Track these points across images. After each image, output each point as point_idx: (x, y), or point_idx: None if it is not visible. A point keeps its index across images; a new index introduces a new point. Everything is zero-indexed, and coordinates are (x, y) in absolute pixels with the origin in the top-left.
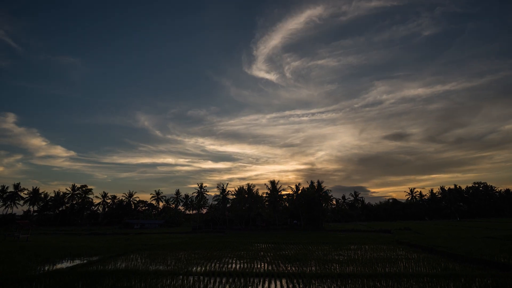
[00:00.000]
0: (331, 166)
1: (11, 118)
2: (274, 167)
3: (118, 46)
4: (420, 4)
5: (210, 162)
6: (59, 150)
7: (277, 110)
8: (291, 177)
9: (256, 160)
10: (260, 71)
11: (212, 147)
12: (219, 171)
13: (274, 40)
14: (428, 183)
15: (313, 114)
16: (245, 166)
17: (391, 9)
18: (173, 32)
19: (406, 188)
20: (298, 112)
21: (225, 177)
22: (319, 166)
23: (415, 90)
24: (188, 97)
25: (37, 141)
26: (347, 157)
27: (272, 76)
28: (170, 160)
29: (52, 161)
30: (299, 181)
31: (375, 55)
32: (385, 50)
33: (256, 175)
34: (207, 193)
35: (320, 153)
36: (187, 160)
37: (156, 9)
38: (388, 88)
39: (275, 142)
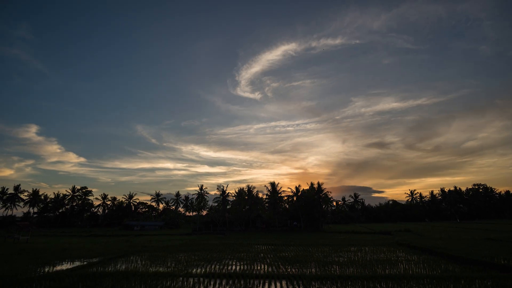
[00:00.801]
0: (322, 170)
1: (33, 129)
2: (269, 171)
3: (123, 72)
4: (377, 42)
5: (206, 166)
6: (71, 157)
7: (264, 122)
8: (286, 181)
9: (250, 165)
10: (245, 92)
11: (206, 153)
12: (215, 174)
13: (255, 68)
14: (419, 186)
15: (297, 125)
16: (240, 170)
17: (353, 45)
18: (168, 59)
19: (397, 191)
20: (283, 123)
21: (221, 180)
22: (310, 170)
23: (390, 104)
24: (181, 111)
25: (52, 149)
26: (336, 162)
27: (256, 96)
28: (168, 165)
29: (61, 166)
30: (294, 184)
31: (344, 79)
32: (351, 74)
33: (251, 179)
34: (207, 194)
35: (310, 159)
36: (184, 165)
37: (154, 42)
38: (365, 103)
39: (266, 148)
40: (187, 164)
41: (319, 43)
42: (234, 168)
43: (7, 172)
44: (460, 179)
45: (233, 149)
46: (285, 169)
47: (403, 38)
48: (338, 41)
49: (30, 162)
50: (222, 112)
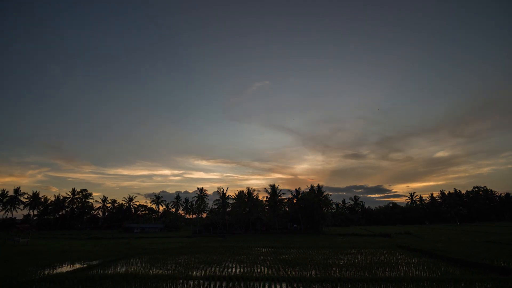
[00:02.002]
0: (311, 176)
1: (62, 143)
2: (261, 177)
3: (129, 100)
4: (335, 87)
5: (202, 173)
6: (86, 166)
7: (248, 135)
8: (280, 186)
9: (242, 172)
10: (226, 117)
11: (199, 162)
12: (210, 180)
13: (236, 98)
14: (406, 190)
15: (280, 138)
16: (233, 176)
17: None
18: (163, 93)
19: (390, 193)
20: (266, 136)
21: (216, 185)
22: (300, 177)
23: (358, 124)
24: (174, 128)
25: (70, 158)
26: (322, 170)
27: (237, 118)
28: (166, 172)
29: (72, 174)
30: (285, 188)
31: (313, 102)
32: (320, 99)
33: (245, 184)
34: (207, 197)
35: (297, 166)
36: (180, 171)
37: (155, 77)
38: (336, 121)
39: (254, 157)
40: (183, 171)
41: (287, 81)
42: (227, 174)
43: (19, 177)
44: (445, 183)
45: (224, 158)
46: (275, 175)
47: (353, 81)
48: (301, 81)
49: (45, 169)
50: (209, 129)
